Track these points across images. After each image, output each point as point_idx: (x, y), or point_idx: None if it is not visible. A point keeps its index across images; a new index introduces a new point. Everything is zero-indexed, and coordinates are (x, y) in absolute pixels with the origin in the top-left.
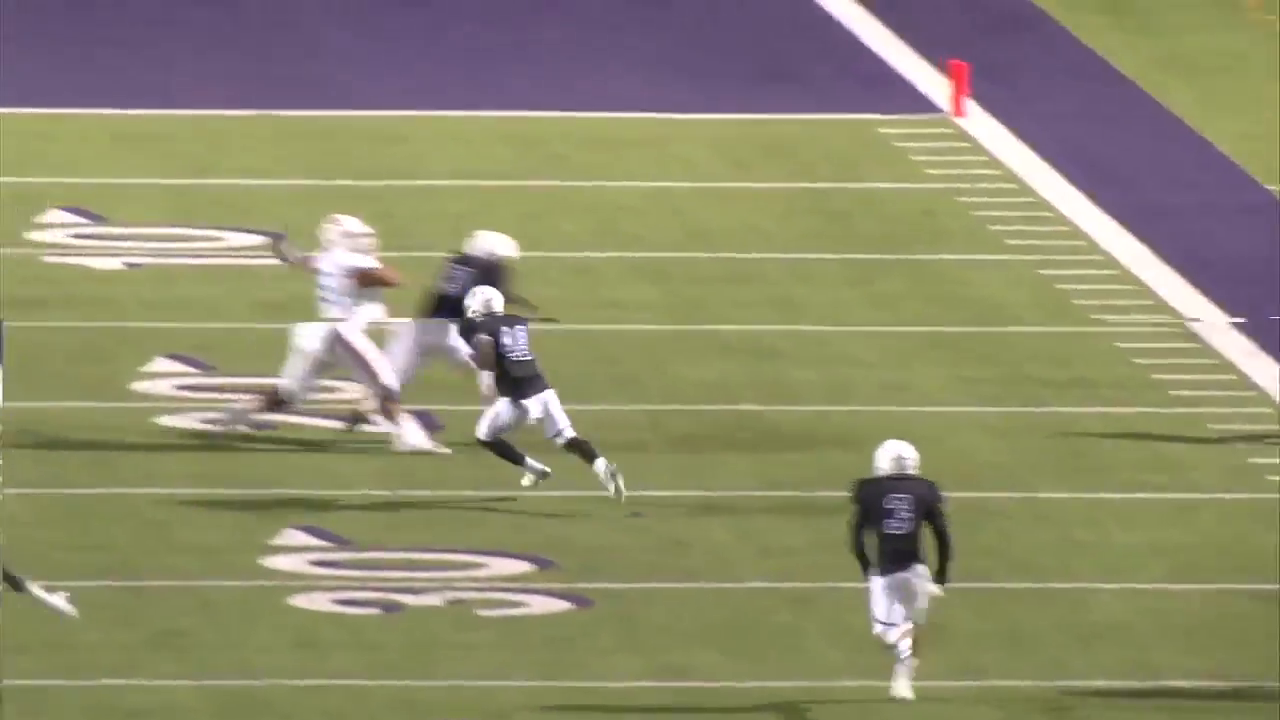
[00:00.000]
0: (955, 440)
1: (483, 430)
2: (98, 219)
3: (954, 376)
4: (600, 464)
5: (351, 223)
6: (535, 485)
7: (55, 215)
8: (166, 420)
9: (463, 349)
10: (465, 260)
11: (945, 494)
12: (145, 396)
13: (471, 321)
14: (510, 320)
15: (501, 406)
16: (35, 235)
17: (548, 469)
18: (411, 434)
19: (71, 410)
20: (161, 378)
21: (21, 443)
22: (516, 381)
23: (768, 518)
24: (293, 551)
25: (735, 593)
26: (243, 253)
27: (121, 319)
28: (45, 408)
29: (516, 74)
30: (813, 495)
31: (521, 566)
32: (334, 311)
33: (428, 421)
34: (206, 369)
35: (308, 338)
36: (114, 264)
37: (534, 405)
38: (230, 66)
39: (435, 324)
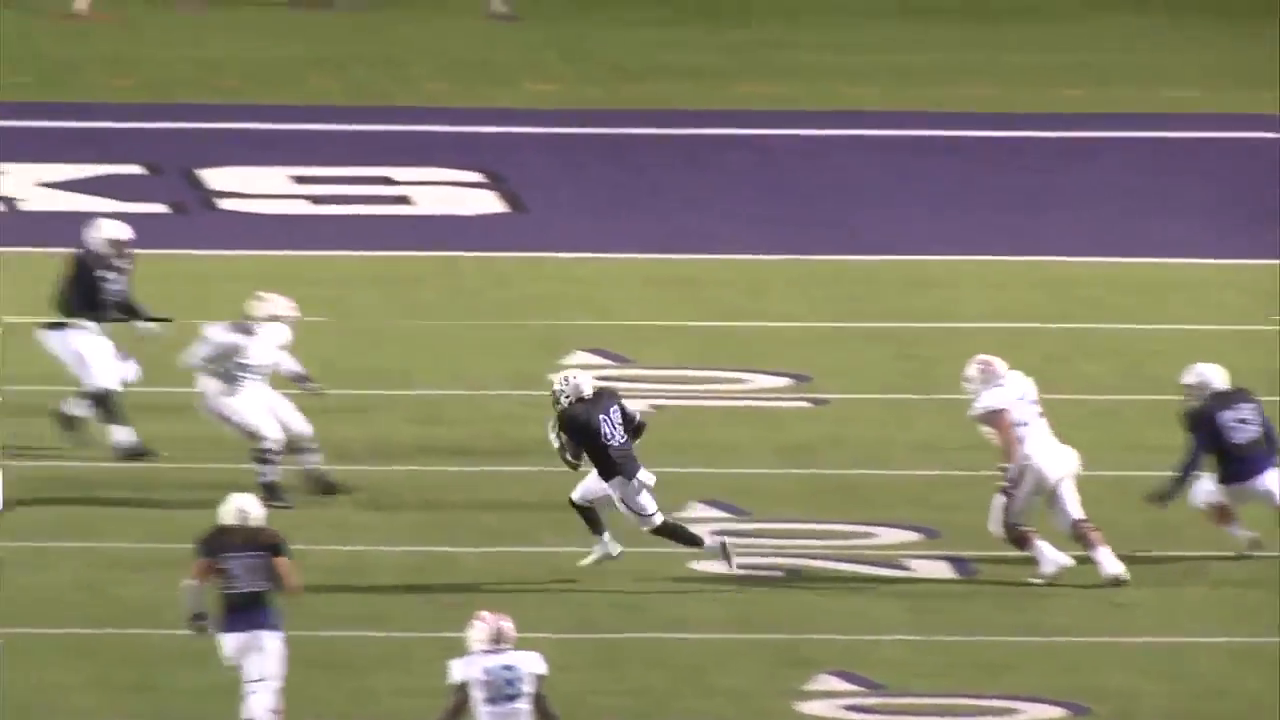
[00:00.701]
0: None
1: (578, 493)
2: (622, 360)
3: None
4: (710, 541)
5: (1002, 365)
6: (599, 563)
7: (580, 357)
8: (698, 565)
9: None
10: (1238, 395)
11: None
12: None
13: (573, 413)
14: (608, 405)
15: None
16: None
17: (618, 550)
18: (1050, 559)
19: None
20: (693, 524)
21: (553, 588)
22: (616, 464)
23: None
24: (826, 696)
25: None
26: (768, 395)
27: (651, 463)
28: (578, 552)
29: (1051, 219)
30: None
31: (1055, 712)
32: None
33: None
34: (740, 514)
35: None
36: (638, 406)
37: (630, 484)
38: (767, 211)
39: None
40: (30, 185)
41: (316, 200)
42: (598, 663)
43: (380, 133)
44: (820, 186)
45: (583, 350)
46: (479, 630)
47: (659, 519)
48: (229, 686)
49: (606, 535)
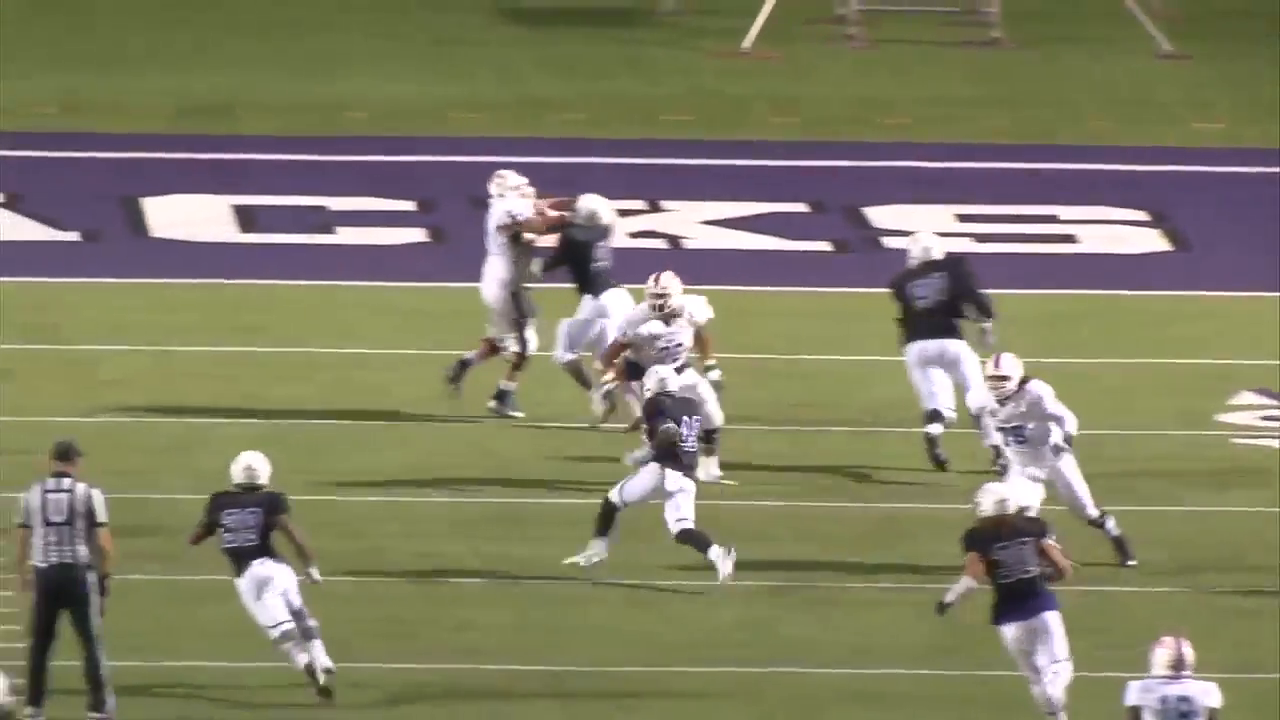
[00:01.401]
0: None
1: (617, 495)
2: None
3: None
4: (713, 550)
5: None
6: (588, 563)
7: (1245, 397)
8: None
9: None
10: None
11: None
12: None
13: (661, 403)
14: (691, 410)
15: (649, 476)
16: (1225, 417)
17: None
18: None
19: None
20: None
21: (1215, 626)
22: (680, 459)
23: None
24: None
25: None
26: None
27: None
28: (1233, 592)
29: None
30: None
31: None
32: None
33: None
34: None
35: None
36: None
37: (676, 481)
38: None
39: None
40: (694, 223)
41: (980, 239)
42: (1262, 705)
43: (1045, 170)
44: None
45: (1248, 390)
46: (1161, 655)
47: (689, 524)
48: None
49: (606, 542)
